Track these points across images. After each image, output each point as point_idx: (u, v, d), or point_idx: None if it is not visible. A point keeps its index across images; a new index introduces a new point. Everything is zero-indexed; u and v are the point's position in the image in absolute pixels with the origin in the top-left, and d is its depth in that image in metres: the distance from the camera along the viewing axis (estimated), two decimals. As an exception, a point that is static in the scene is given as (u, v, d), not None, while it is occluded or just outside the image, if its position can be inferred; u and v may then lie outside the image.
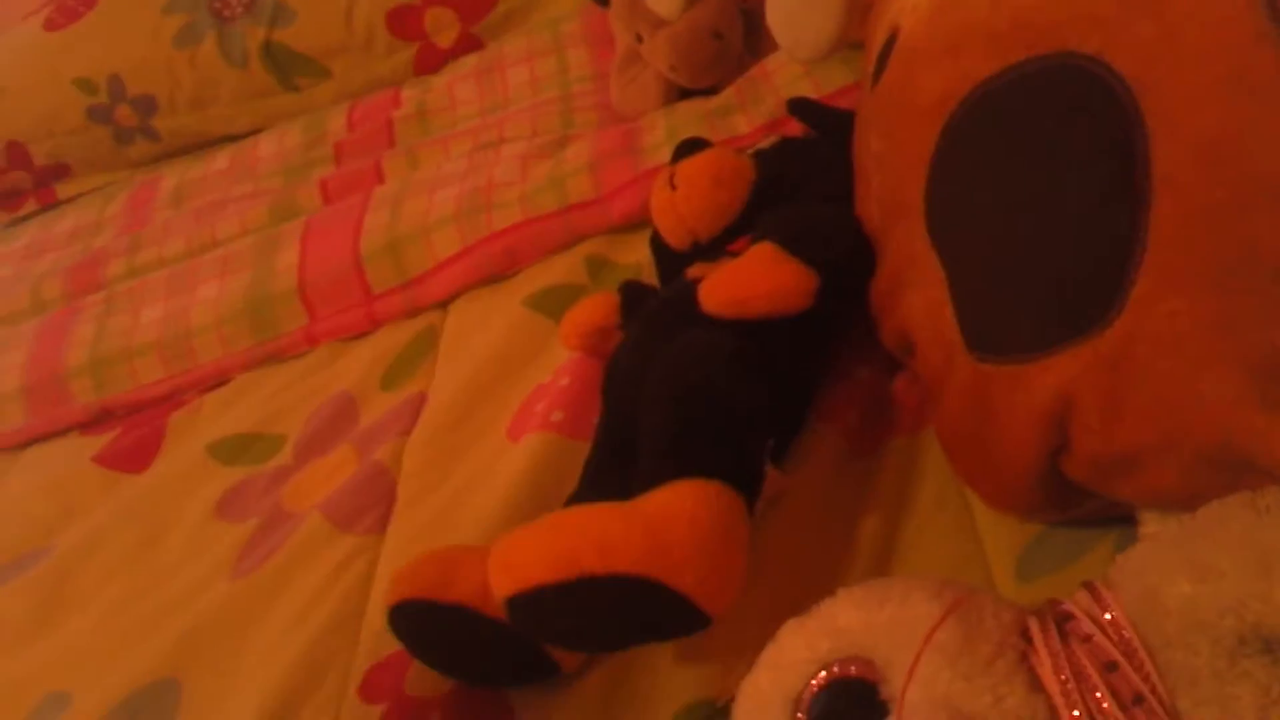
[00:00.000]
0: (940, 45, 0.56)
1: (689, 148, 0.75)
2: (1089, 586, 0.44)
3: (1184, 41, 0.43)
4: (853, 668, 0.44)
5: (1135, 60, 0.45)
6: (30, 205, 1.54)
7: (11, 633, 0.84)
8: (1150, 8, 0.45)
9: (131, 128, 1.48)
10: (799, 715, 0.44)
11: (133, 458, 0.98)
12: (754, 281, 0.64)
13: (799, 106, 0.82)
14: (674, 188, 0.73)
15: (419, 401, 0.89)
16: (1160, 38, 0.44)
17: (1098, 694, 0.40)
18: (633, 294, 0.78)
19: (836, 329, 0.70)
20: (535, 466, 0.74)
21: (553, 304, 0.91)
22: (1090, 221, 0.46)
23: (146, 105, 1.46)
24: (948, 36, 0.55)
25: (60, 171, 1.52)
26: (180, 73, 1.44)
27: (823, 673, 0.45)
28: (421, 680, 0.65)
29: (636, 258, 0.92)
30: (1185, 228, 0.43)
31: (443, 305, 1.00)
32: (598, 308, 0.78)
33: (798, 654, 0.46)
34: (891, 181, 0.61)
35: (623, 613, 0.53)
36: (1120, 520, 0.53)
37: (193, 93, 1.45)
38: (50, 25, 1.54)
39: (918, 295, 0.58)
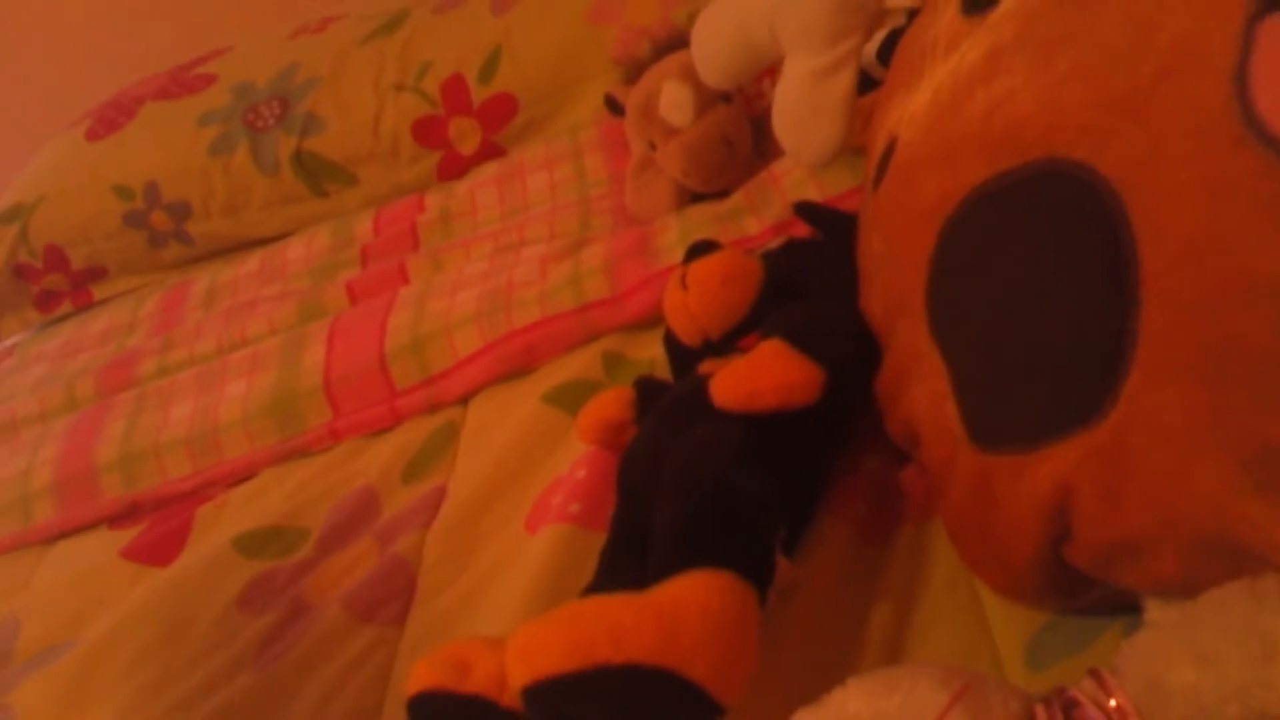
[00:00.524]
0: (937, 152, 0.58)
1: (700, 249, 0.77)
2: (1094, 674, 0.44)
3: (1167, 147, 0.45)
4: (863, 756, 0.44)
5: (1121, 165, 0.47)
6: (66, 306, 1.58)
7: (36, 725, 0.84)
8: (1134, 116, 0.47)
9: (166, 232, 1.52)
10: (811, 803, 0.44)
11: (159, 551, 0.99)
12: (763, 377, 0.65)
13: (805, 210, 0.84)
14: (686, 288, 0.75)
15: (439, 495, 0.90)
16: (1144, 143, 0.46)
17: (1104, 780, 0.40)
18: (647, 389, 0.79)
19: (844, 422, 0.71)
20: (553, 558, 0.75)
21: (569, 399, 0.92)
22: (1082, 318, 0.48)
23: (181, 211, 1.50)
24: (944, 144, 0.57)
25: (96, 274, 1.56)
26: (214, 180, 1.49)
27: (833, 761, 0.45)
28: (439, 771, 0.64)
29: (650, 354, 0.93)
30: (1174, 323, 0.44)
31: (463, 401, 1.01)
32: (613, 403, 0.79)
33: (809, 742, 0.46)
34: (893, 281, 0.62)
35: (637, 702, 0.53)
36: (1127, 608, 0.54)
37: (225, 199, 1.49)
38: (91, 135, 1.60)
39: (921, 389, 0.59)
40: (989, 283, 0.52)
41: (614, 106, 1.15)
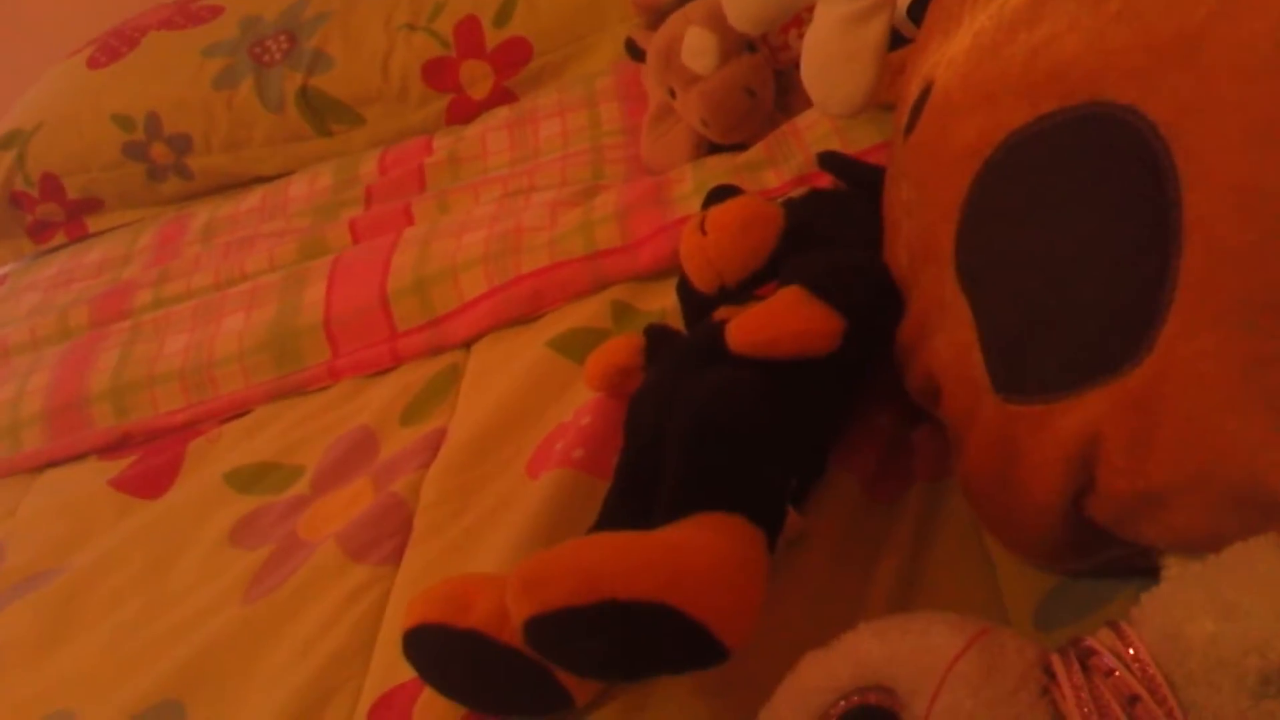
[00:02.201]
0: (975, 96, 0.57)
1: (720, 194, 0.76)
2: (1112, 624, 0.44)
3: (1216, 90, 0.45)
4: (874, 696, 0.44)
5: (1168, 109, 0.47)
6: (60, 238, 1.57)
7: (19, 649, 0.84)
8: (1183, 58, 0.46)
9: (165, 165, 1.51)
10: (817, 742, 0.44)
11: (150, 484, 0.99)
12: (782, 323, 0.65)
13: (829, 160, 0.84)
14: (704, 232, 0.74)
15: (439, 437, 0.90)
16: (1193, 87, 0.46)
17: (1121, 727, 0.40)
18: (657, 336, 0.79)
19: (860, 375, 0.71)
20: (554, 502, 0.75)
21: (576, 346, 0.92)
22: (1121, 264, 0.47)
23: (182, 144, 1.49)
24: (983, 87, 0.57)
25: (92, 205, 1.55)
26: (217, 114, 1.48)
27: (843, 701, 0.45)
28: (430, 709, 0.64)
29: (661, 305, 0.93)
30: (1216, 270, 0.44)
31: (466, 345, 1.01)
32: (622, 348, 0.79)
33: (818, 683, 0.46)
34: (922, 228, 0.62)
35: (641, 640, 0.53)
36: (1140, 571, 0.54)
37: (228, 134, 1.48)
38: (93, 63, 1.59)
39: (945, 339, 0.59)
40: (1024, 227, 0.52)
41: (634, 51, 1.14)
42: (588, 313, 0.95)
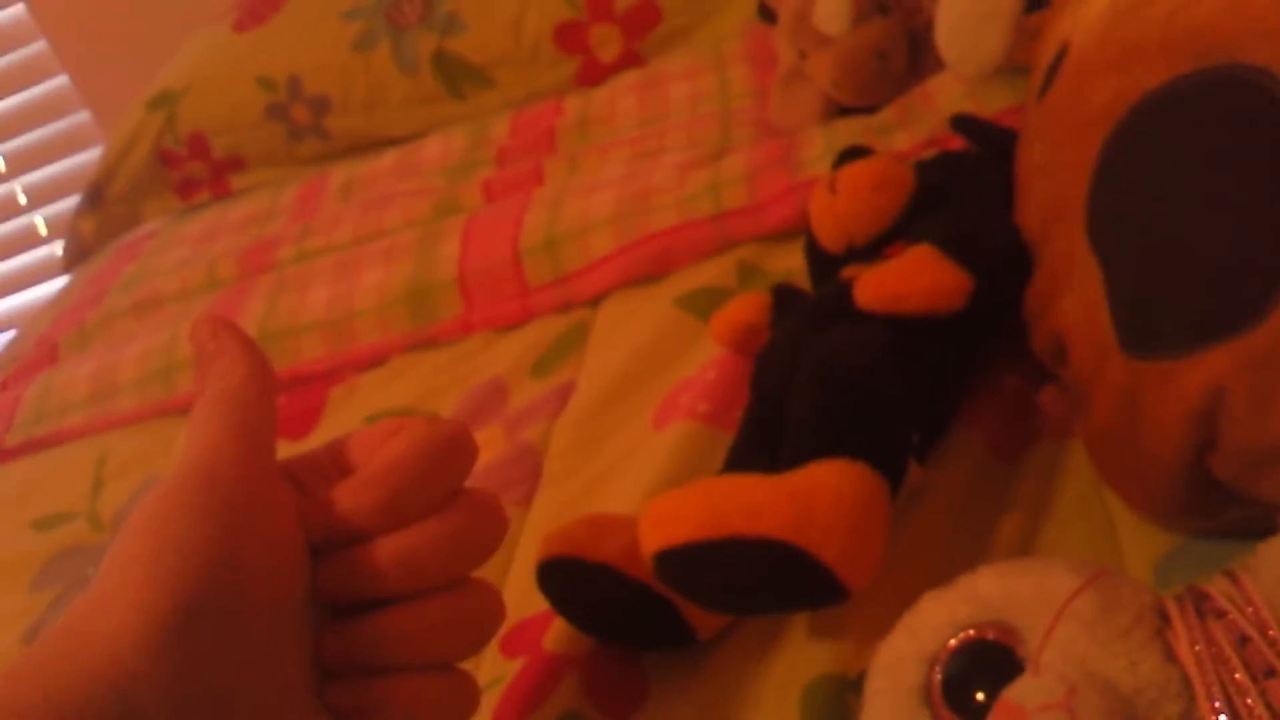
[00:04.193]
0: (1111, 57, 0.59)
1: (851, 154, 0.79)
2: (1227, 572, 0.46)
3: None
4: (990, 631, 0.47)
5: (1305, 71, 0.48)
6: (205, 195, 1.67)
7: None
8: (1324, 21, 0.48)
9: (305, 126, 1.60)
10: (934, 672, 0.48)
11: (295, 425, 1.07)
12: (910, 279, 0.67)
13: (963, 122, 0.85)
14: (834, 191, 0.77)
15: (568, 389, 0.95)
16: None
17: (1230, 666, 0.42)
18: (785, 295, 0.82)
19: (988, 335, 0.73)
20: (678, 451, 0.79)
21: (702, 304, 0.95)
22: (1249, 224, 0.49)
23: (321, 105, 1.57)
24: (1119, 48, 0.59)
25: (236, 164, 1.65)
26: (355, 76, 1.55)
27: (960, 634, 0.48)
28: (560, 639, 0.70)
29: (787, 266, 0.96)
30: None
31: (594, 302, 1.06)
32: (750, 305, 0.82)
33: (937, 618, 0.49)
34: (1054, 188, 0.64)
35: (765, 576, 0.57)
36: (1263, 533, 0.55)
37: (365, 96, 1.56)
38: (239, 26, 1.68)
39: (1073, 298, 0.61)
40: (1155, 186, 0.54)
41: (766, 13, 1.17)
42: (714, 272, 0.99)
